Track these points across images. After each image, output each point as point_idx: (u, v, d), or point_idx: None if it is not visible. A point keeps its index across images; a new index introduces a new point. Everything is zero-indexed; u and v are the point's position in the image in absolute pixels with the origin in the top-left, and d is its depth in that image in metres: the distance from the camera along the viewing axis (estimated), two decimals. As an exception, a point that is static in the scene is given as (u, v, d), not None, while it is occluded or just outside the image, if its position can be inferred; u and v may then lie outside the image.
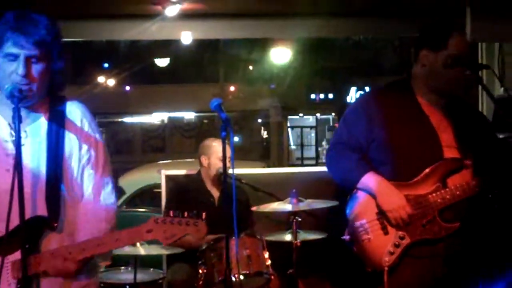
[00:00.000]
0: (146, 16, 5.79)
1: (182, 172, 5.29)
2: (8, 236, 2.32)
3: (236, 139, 25.60)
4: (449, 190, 3.17)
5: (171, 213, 2.43)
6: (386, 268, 3.16)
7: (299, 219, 4.40)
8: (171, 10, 5.60)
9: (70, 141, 2.59)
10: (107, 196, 2.71)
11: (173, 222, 2.40)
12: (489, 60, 6.17)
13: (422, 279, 3.22)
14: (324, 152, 28.19)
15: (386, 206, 3.20)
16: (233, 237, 3.51)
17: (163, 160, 12.33)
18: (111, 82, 23.64)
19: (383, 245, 3.20)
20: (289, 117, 27.52)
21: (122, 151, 26.65)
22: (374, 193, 3.25)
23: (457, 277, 3.27)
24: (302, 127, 28.98)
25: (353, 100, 24.48)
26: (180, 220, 2.40)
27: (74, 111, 2.66)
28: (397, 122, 3.26)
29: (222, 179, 4.76)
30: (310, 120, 29.25)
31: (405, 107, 3.29)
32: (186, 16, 5.97)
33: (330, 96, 25.06)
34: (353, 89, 24.66)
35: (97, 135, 2.71)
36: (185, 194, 4.81)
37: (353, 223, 3.30)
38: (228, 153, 3.43)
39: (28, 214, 2.38)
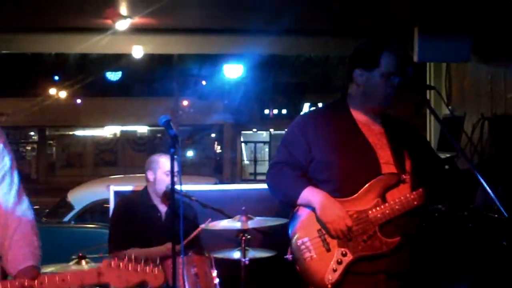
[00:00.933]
0: (97, 30, 5.73)
1: (131, 187, 5.23)
2: None
3: (189, 153, 25.53)
4: (388, 205, 3.20)
5: (126, 259, 2.38)
6: (329, 286, 3.15)
7: (249, 237, 4.38)
8: (122, 24, 5.55)
9: None
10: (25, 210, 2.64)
11: (128, 268, 2.35)
12: (437, 80, 6.28)
13: None
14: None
15: (326, 218, 3.20)
16: (180, 256, 3.47)
17: (115, 174, 12.19)
18: (62, 94, 23.31)
19: (326, 263, 3.19)
20: (243, 132, 27.57)
21: (73, 164, 26.31)
22: (314, 206, 3.24)
23: None
24: (255, 142, 29.05)
25: (306, 116, 24.72)
26: (136, 267, 2.35)
27: None
28: (334, 141, 3.30)
29: (169, 194, 4.73)
30: (264, 135, 29.34)
31: (342, 126, 3.34)
32: (137, 30, 5.93)
33: (284, 111, 25.19)
34: (306, 104, 24.86)
35: (7, 158, 2.65)
36: (132, 210, 4.75)
37: (296, 241, 3.28)
38: (176, 169, 3.39)
39: None
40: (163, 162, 4.74)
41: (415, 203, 3.21)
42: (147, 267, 2.36)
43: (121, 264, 2.35)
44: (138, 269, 2.35)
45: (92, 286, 2.30)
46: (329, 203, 3.21)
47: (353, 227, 3.17)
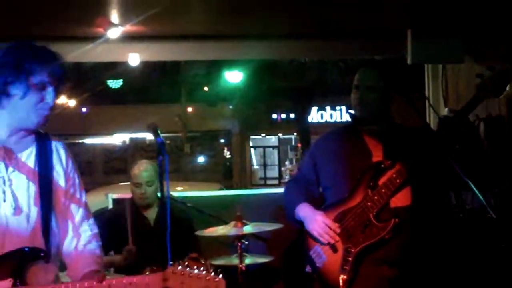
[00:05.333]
0: (90, 38, 5.74)
1: (129, 195, 5.24)
2: None
3: (200, 159, 25.55)
4: (375, 191, 3.31)
5: (190, 265, 2.41)
6: (341, 284, 3.26)
7: (246, 242, 4.38)
8: (113, 33, 5.54)
9: (58, 175, 2.64)
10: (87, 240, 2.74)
11: (192, 275, 2.36)
12: (434, 80, 6.26)
13: (380, 285, 3.33)
14: (288, 172, 28.27)
15: (310, 228, 3.41)
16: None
17: (126, 182, 12.19)
18: (71, 103, 23.40)
19: (336, 263, 3.31)
20: (251, 137, 27.55)
21: (84, 172, 26.16)
22: (303, 221, 3.46)
23: (408, 279, 3.37)
24: (264, 147, 29.03)
25: (314, 120, 24.67)
26: (199, 275, 2.36)
27: (59, 148, 2.71)
28: (336, 151, 3.54)
29: (158, 201, 4.77)
30: (273, 140, 29.31)
31: (348, 138, 3.58)
32: (131, 38, 5.93)
33: (292, 115, 25.13)
34: (314, 108, 24.82)
35: (77, 177, 2.76)
36: (119, 220, 4.78)
37: (309, 253, 3.46)
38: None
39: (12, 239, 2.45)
40: (134, 174, 4.84)
41: (398, 180, 3.29)
42: (209, 275, 2.37)
43: (184, 271, 2.36)
44: (201, 276, 2.36)
45: None
46: (309, 213, 3.46)
47: (350, 223, 3.31)
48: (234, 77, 17.15)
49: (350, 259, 3.28)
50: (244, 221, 4.43)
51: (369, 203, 3.29)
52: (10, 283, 2.43)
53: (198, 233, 4.53)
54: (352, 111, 3.60)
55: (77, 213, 2.71)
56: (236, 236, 4.36)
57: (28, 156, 2.59)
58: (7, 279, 2.43)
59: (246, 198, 5.45)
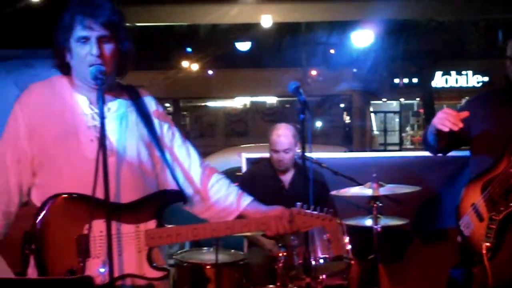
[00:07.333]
0: (227, 0, 5.80)
1: (262, 154, 5.31)
2: (134, 205, 2.56)
3: (318, 123, 25.52)
4: None
5: (311, 208, 2.72)
6: (484, 252, 3.23)
7: (380, 204, 4.36)
8: (250, -7, 5.58)
9: (155, 122, 2.75)
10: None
11: (312, 215, 2.71)
12: None
13: None
14: (409, 138, 27.65)
15: (435, 121, 3.30)
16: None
17: (246, 144, 12.42)
18: (194, 66, 23.91)
19: (482, 231, 3.29)
20: (372, 102, 27.10)
21: (206, 135, 26.99)
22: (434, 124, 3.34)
23: None
24: (385, 112, 28.47)
25: (438, 85, 23.89)
26: (317, 215, 2.72)
27: (148, 98, 2.81)
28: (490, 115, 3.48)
29: (297, 161, 4.80)
30: (394, 105, 28.69)
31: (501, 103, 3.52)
32: (265, -1, 5.95)
33: (414, 80, 24.46)
34: (438, 73, 24.04)
35: (171, 123, 2.87)
36: (255, 181, 4.86)
37: (459, 224, 3.44)
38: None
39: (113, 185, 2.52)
40: (272, 140, 4.86)
41: None
42: (324, 215, 2.74)
43: (305, 211, 2.71)
44: (318, 216, 2.72)
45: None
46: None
47: (495, 191, 3.24)
48: (362, 39, 16.82)
49: (493, 226, 3.24)
50: (381, 182, 4.40)
51: (510, 170, 3.20)
52: (154, 224, 2.57)
53: (334, 193, 4.54)
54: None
55: (189, 147, 2.86)
56: (371, 197, 4.35)
57: (118, 103, 2.72)
58: (150, 221, 2.58)
59: (380, 161, 5.37)
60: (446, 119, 3.22)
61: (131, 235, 2.53)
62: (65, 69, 2.65)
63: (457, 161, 4.75)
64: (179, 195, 2.71)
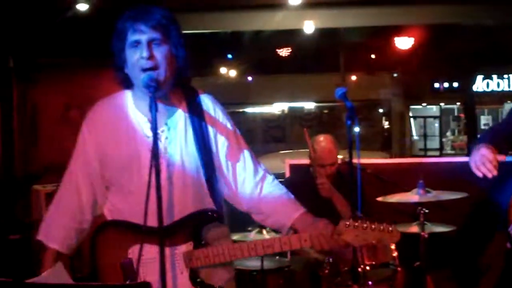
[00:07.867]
0: (270, 6, 5.81)
1: (303, 161, 5.30)
2: (172, 228, 2.52)
3: (357, 129, 25.31)
4: None
5: (362, 219, 2.47)
6: None
7: (426, 211, 4.31)
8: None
9: (211, 132, 2.69)
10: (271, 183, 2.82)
11: (365, 228, 2.42)
12: None
13: None
14: (449, 143, 27.31)
15: (471, 161, 3.23)
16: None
17: (284, 150, 12.43)
18: (233, 73, 24.00)
19: None
20: (411, 106, 26.83)
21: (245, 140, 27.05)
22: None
23: None
24: (425, 117, 28.16)
25: (479, 89, 23.53)
26: (373, 226, 2.43)
27: (207, 102, 2.75)
28: None
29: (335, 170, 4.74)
30: (434, 109, 28.37)
31: None
32: (308, 5, 5.95)
33: (455, 84, 24.15)
34: (479, 77, 23.69)
35: (229, 124, 2.78)
36: (298, 188, 4.82)
37: (507, 229, 3.43)
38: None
39: (175, 206, 2.54)
40: (318, 156, 4.75)
41: None
42: (382, 225, 2.42)
43: (358, 225, 2.43)
44: (374, 227, 2.42)
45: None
46: (478, 147, 3.25)
47: None
48: (403, 43, 16.68)
49: None
50: (427, 188, 4.35)
51: None
52: (191, 246, 2.55)
53: (380, 199, 4.51)
54: None
55: (246, 157, 2.77)
56: (418, 203, 4.30)
57: (177, 116, 2.68)
58: (187, 243, 2.55)
59: (424, 166, 5.32)
60: (482, 165, 3.14)
61: (169, 259, 2.52)
62: (127, 83, 2.65)
63: (504, 166, 4.67)
64: (216, 214, 2.63)
